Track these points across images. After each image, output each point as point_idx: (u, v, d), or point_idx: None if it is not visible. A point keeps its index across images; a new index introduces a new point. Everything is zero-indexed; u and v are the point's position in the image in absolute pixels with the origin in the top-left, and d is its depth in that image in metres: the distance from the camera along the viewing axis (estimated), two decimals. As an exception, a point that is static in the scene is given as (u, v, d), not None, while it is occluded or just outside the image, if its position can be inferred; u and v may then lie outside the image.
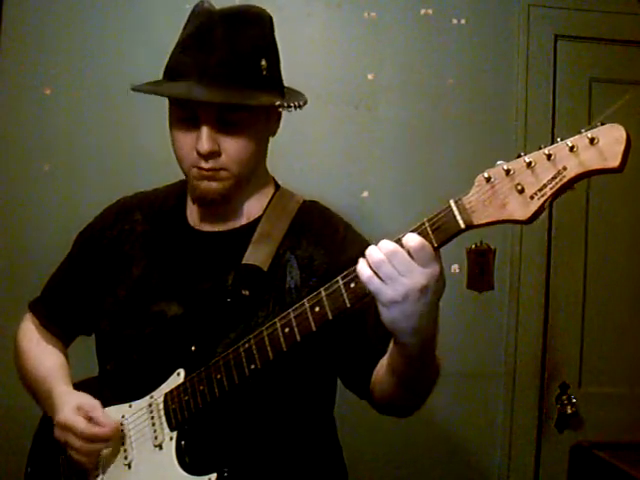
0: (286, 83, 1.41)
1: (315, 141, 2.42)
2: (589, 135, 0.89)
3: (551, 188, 0.91)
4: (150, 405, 1.34)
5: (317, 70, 2.41)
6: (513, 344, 2.46)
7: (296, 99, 1.36)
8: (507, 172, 0.94)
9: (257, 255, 1.35)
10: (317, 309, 1.12)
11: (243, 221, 1.41)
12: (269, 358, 1.20)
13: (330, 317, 1.11)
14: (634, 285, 2.53)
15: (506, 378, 2.47)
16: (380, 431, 2.25)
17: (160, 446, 1.32)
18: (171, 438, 1.31)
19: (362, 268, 1.02)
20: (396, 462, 2.40)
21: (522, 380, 2.47)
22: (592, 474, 2.11)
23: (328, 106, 2.41)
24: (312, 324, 1.14)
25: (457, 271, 2.41)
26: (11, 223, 2.34)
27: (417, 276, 0.98)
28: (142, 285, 1.42)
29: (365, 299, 1.08)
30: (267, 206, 1.43)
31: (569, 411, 2.47)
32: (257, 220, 1.41)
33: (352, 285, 1.08)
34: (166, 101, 1.36)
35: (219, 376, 1.25)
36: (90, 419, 1.32)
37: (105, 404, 1.38)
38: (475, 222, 0.98)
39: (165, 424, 1.32)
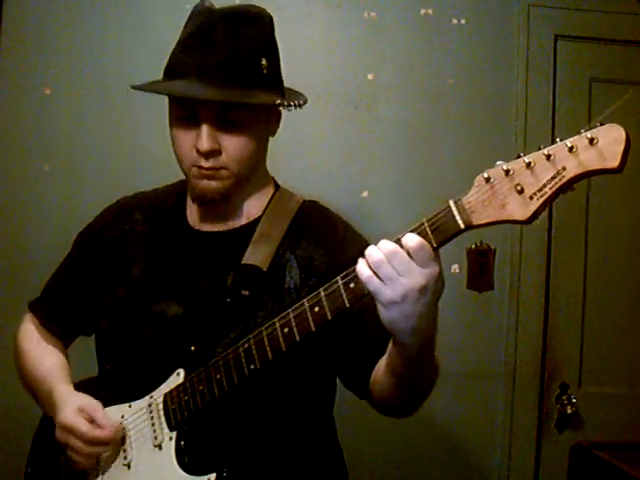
0: (286, 83, 1.41)
1: (315, 141, 2.42)
2: (588, 135, 0.89)
3: (550, 188, 0.91)
4: (150, 405, 1.35)
5: (317, 70, 2.41)
6: (513, 344, 2.46)
7: (296, 98, 1.36)
8: (506, 172, 0.94)
9: (257, 255, 1.35)
10: (316, 309, 1.12)
11: (243, 221, 1.41)
12: (268, 358, 1.20)
13: (329, 317, 1.11)
14: (634, 285, 2.53)
15: (506, 378, 2.47)
16: (380, 431, 2.25)
17: (159, 446, 1.32)
18: (170, 438, 1.31)
19: (361, 268, 1.02)
20: (396, 462, 2.40)
21: (522, 380, 2.47)
22: (592, 474, 2.11)
23: (328, 106, 2.41)
24: (311, 324, 1.14)
25: (457, 271, 2.41)
26: (11, 223, 2.34)
27: (416, 276, 0.98)
28: (142, 285, 1.42)
29: (364, 299, 1.08)
30: (267, 206, 1.43)
31: (569, 411, 2.47)
32: (257, 220, 1.41)
33: (351, 285, 1.08)
34: (166, 101, 1.36)
35: (218, 376, 1.25)
36: (92, 421, 1.32)
37: (105, 404, 1.38)
38: (474, 222, 0.98)
39: (165, 424, 1.32)
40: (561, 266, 2.51)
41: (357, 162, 2.44)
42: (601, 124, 0.89)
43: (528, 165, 0.93)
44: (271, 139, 1.42)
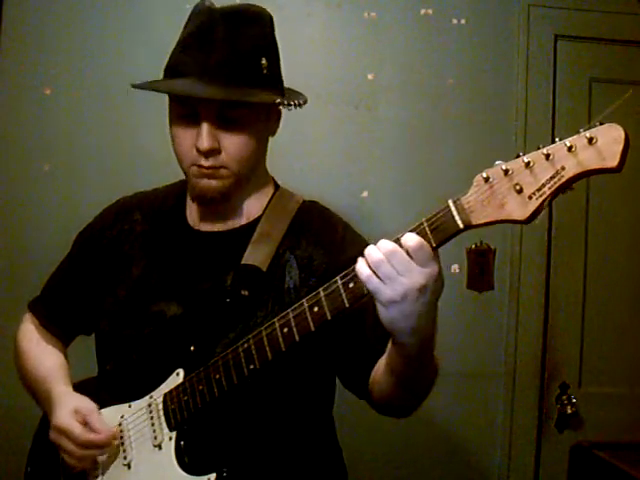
0: (286, 83, 1.41)
1: (315, 141, 2.42)
2: (587, 135, 0.89)
3: (549, 188, 0.91)
4: (149, 405, 1.34)
5: (317, 70, 2.41)
6: (513, 344, 2.46)
7: (296, 98, 1.37)
8: (506, 172, 0.94)
9: (256, 255, 1.35)
10: (316, 309, 1.12)
11: (243, 221, 1.41)
12: (268, 358, 1.20)
13: (329, 317, 1.11)
14: (634, 285, 2.53)
15: (506, 378, 2.47)
16: (380, 431, 2.25)
17: (159, 446, 1.32)
18: (170, 438, 1.31)
19: (361, 267, 1.02)
20: (396, 462, 2.40)
21: (522, 380, 2.47)
22: (592, 474, 2.11)
23: (328, 106, 2.41)
24: (311, 324, 1.14)
25: (457, 271, 2.41)
26: (11, 223, 2.34)
27: (416, 276, 0.99)
28: (142, 285, 1.42)
29: (363, 299, 1.08)
30: (267, 206, 1.43)
31: (569, 411, 2.47)
32: (257, 220, 1.41)
33: (351, 285, 1.08)
34: (166, 101, 1.36)
35: (218, 376, 1.25)
36: (86, 424, 1.32)
37: (104, 404, 1.39)
38: (474, 222, 0.98)
39: (164, 424, 1.32)
40: (561, 266, 2.50)
41: (357, 162, 2.44)
42: (600, 124, 0.89)
43: (527, 165, 0.93)
44: (271, 139, 1.42)
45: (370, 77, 2.44)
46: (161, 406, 1.33)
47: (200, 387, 1.27)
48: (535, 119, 2.47)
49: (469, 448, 2.47)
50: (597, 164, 0.88)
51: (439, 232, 1.00)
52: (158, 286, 1.40)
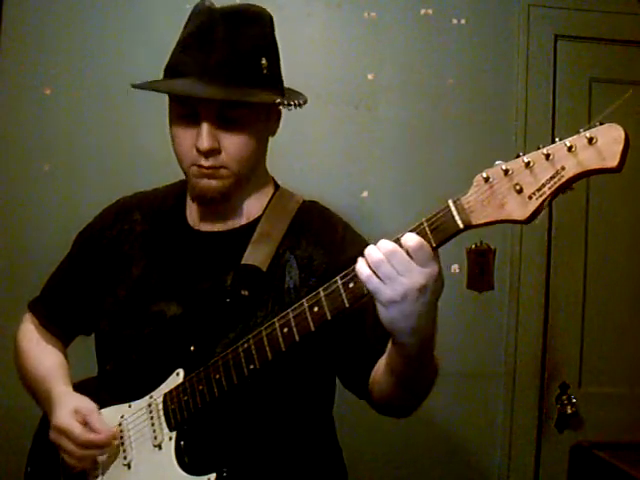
0: (286, 83, 1.41)
1: (315, 141, 2.42)
2: (587, 135, 0.89)
3: (549, 188, 0.91)
4: (149, 405, 1.34)
5: (317, 70, 2.41)
6: (513, 344, 2.46)
7: (296, 98, 1.37)
8: (505, 172, 0.94)
9: (256, 255, 1.35)
10: (316, 309, 1.12)
11: (243, 221, 1.41)
12: (268, 358, 1.20)
13: (329, 317, 1.11)
14: (634, 285, 2.53)
15: (506, 378, 2.47)
16: (380, 431, 2.25)
17: (159, 446, 1.32)
18: (170, 438, 1.31)
19: (361, 267, 1.02)
20: (396, 462, 2.40)
21: (522, 380, 2.47)
22: (592, 474, 2.11)
23: (328, 106, 2.41)
24: (311, 324, 1.14)
25: (457, 271, 2.41)
26: (11, 223, 2.34)
27: (416, 276, 0.99)
28: (141, 285, 1.42)
29: (363, 299, 1.08)
30: (267, 206, 1.43)
31: (569, 411, 2.47)
32: (257, 220, 1.41)
33: (351, 285, 1.08)
34: (166, 101, 1.36)
35: (218, 376, 1.25)
36: (86, 424, 1.32)
37: (104, 404, 1.39)
38: (473, 222, 0.98)
39: (164, 424, 1.32)
40: (561, 266, 2.50)
41: (357, 162, 2.44)
42: (600, 124, 0.89)
43: (527, 165, 0.93)
44: (271, 139, 1.42)
45: (370, 77, 2.44)
46: (161, 406, 1.33)
47: (200, 387, 1.27)
48: (535, 119, 2.47)
49: (469, 448, 2.47)
50: (597, 164, 0.88)
51: (439, 232, 0.99)
52: (158, 286, 1.40)
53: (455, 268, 2.40)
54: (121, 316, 1.41)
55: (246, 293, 1.32)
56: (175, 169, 1.39)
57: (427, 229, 1.00)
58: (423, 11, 2.46)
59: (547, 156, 0.91)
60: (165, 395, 1.33)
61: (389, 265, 0.99)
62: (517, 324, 2.46)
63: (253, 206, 1.42)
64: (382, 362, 1.22)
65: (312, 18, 2.44)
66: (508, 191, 0.94)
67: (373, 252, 1.00)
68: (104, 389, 1.43)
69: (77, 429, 1.31)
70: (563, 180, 0.91)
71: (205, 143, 1.28)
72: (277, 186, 1.48)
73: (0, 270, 2.31)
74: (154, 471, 1.31)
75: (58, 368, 1.49)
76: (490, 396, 2.47)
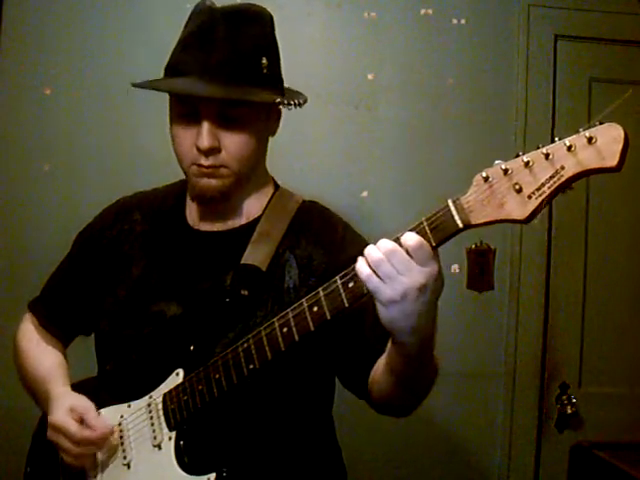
0: (286, 83, 1.41)
1: (315, 141, 2.42)
2: (587, 134, 0.89)
3: (549, 187, 0.91)
4: (149, 405, 1.34)
5: (317, 70, 2.41)
6: (513, 344, 2.46)
7: (296, 98, 1.37)
8: (505, 172, 0.94)
9: (256, 255, 1.35)
10: (315, 309, 1.12)
11: (242, 221, 1.41)
12: (267, 358, 1.20)
13: (328, 317, 1.11)
14: (634, 285, 2.53)
15: (506, 378, 2.47)
16: (380, 431, 2.25)
17: (159, 446, 1.32)
18: (170, 438, 1.31)
19: (361, 267, 1.02)
20: (396, 462, 2.40)
21: (522, 380, 2.47)
22: (592, 474, 2.11)
23: (328, 106, 2.41)
24: (310, 324, 1.14)
25: (457, 271, 2.41)
26: (11, 223, 2.34)
27: (416, 275, 0.99)
28: (141, 285, 1.42)
29: (363, 299, 1.08)
30: (267, 206, 1.43)
31: (569, 411, 2.47)
32: (256, 220, 1.41)
33: (350, 285, 1.08)
34: (166, 101, 1.36)
35: (218, 376, 1.25)
36: (82, 422, 1.32)
37: (104, 404, 1.38)
38: (473, 222, 0.98)
39: (164, 424, 1.32)
40: (561, 266, 2.50)
41: (357, 162, 2.44)
42: (600, 123, 0.89)
43: (527, 164, 0.93)
44: (271, 139, 1.42)
45: (370, 77, 2.44)
46: (161, 406, 1.33)
47: (200, 387, 1.27)
48: (535, 119, 2.47)
49: (469, 448, 2.47)
50: (596, 163, 0.88)
51: (439, 231, 1.00)
52: (158, 286, 1.40)
53: (455, 268, 2.40)
54: (121, 316, 1.41)
55: (246, 293, 1.32)
56: (175, 169, 1.39)
57: (427, 228, 1.00)
58: (423, 11, 2.46)
59: (546, 155, 0.91)
60: (165, 395, 1.33)
61: (389, 264, 0.99)
62: (517, 324, 2.46)
63: (253, 206, 1.42)
64: (382, 362, 1.22)
65: (312, 18, 2.44)
66: (507, 191, 0.94)
67: (373, 251, 1.00)
68: (104, 389, 1.43)
69: (73, 427, 1.32)
70: (562, 179, 0.91)
71: (205, 142, 1.28)
72: (277, 186, 1.48)
73: (0, 270, 2.31)
74: (154, 471, 1.31)
75: (57, 368, 1.49)
76: (490, 396, 2.47)
